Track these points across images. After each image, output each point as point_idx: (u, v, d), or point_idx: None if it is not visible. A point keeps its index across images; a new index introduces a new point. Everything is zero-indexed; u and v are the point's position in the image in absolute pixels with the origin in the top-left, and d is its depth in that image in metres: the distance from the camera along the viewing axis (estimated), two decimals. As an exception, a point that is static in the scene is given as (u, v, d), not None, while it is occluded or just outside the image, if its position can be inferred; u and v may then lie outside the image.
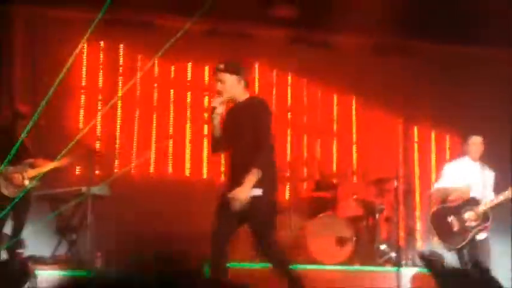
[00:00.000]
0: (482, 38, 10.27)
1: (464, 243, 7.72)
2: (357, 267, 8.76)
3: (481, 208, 7.72)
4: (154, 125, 10.34)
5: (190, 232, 8.84)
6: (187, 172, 10.41)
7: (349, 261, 8.76)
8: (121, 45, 10.26)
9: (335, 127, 11.07)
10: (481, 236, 7.82)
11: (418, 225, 10.95)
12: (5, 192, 7.76)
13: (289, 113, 10.84)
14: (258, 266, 7.46)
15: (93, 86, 10.18)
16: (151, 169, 10.28)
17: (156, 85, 10.38)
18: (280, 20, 10.28)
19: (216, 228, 5.66)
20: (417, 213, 11.00)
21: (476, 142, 8.07)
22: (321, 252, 8.61)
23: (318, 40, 10.82)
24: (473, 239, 7.74)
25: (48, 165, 8.06)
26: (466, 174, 7.96)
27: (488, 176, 8.03)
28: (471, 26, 9.96)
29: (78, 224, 8.57)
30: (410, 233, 10.43)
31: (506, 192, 7.67)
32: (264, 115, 5.74)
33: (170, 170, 10.35)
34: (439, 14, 10.04)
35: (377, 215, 9.34)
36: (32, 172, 7.96)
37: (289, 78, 10.94)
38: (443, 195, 7.96)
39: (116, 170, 9.75)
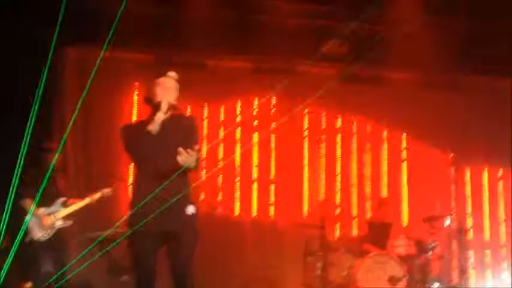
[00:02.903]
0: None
1: None
2: (410, 306, 8.66)
3: None
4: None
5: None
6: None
7: (402, 300, 8.67)
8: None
9: (385, 165, 10.99)
10: None
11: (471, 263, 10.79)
12: (38, 235, 7.61)
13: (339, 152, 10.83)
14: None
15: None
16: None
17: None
18: (331, 56, 10.33)
19: (141, 249, 5.15)
20: (470, 251, 10.83)
21: None
22: (373, 291, 8.54)
23: (367, 76, 10.79)
24: None
25: (79, 203, 7.89)
26: None
27: None
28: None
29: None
30: (463, 271, 10.23)
31: None
32: None
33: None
34: (492, 48, 10.01)
35: (429, 253, 9.21)
36: (63, 212, 7.86)
37: (340, 117, 10.94)
38: None
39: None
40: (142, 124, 5.30)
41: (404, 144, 11.07)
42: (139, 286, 5.16)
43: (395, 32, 10.01)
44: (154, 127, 5.17)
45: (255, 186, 10.51)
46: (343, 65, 10.55)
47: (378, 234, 9.55)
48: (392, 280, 8.66)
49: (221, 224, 10.17)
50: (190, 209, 5.18)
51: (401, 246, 9.27)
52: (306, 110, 10.70)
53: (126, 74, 9.62)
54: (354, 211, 10.50)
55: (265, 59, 10.32)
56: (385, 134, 11.07)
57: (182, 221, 5.13)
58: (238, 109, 10.63)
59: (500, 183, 11.24)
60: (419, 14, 9.86)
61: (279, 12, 9.80)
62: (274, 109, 10.61)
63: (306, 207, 10.51)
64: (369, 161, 10.96)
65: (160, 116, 5.21)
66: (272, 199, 10.49)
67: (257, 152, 10.57)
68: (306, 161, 10.67)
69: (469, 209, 11.05)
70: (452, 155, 11.05)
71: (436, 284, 9.13)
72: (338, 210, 10.06)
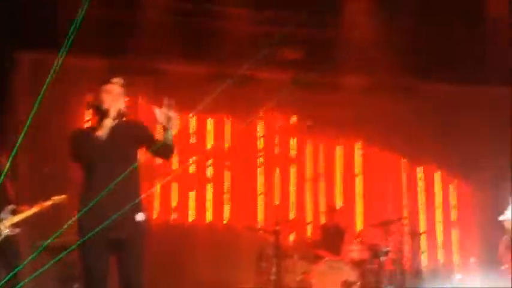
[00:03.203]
0: (491, 79, 10.36)
1: None
2: (362, 310, 8.73)
3: None
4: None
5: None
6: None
7: (355, 304, 8.73)
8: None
9: (339, 170, 11.05)
10: None
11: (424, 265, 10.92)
12: None
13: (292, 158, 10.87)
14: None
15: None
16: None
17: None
18: (285, 62, 10.37)
19: (91, 257, 5.08)
20: (423, 254, 10.96)
21: None
22: (326, 296, 8.58)
23: (322, 81, 10.84)
24: None
25: (29, 211, 7.65)
26: None
27: None
28: (474, 66, 10.05)
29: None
30: (416, 274, 10.33)
31: None
32: None
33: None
34: (442, 54, 10.13)
35: (382, 258, 9.28)
36: (11, 219, 7.61)
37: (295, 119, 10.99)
38: None
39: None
40: (91, 130, 5.28)
41: (358, 150, 11.14)
42: None
43: (349, 38, 10.12)
44: (103, 132, 5.15)
45: (209, 191, 10.48)
46: (297, 70, 10.61)
47: (332, 239, 9.62)
48: (346, 285, 8.72)
49: (176, 230, 10.15)
50: (139, 217, 5.14)
51: (354, 251, 9.32)
52: (261, 115, 10.71)
53: (79, 79, 9.52)
54: (308, 216, 10.52)
55: (220, 65, 10.31)
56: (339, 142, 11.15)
57: (131, 228, 5.09)
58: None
59: (452, 187, 11.39)
60: (372, 20, 9.96)
61: (234, 19, 9.80)
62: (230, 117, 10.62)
63: (260, 212, 10.52)
64: (323, 166, 11.00)
65: (108, 122, 5.18)
66: (227, 204, 10.49)
67: (212, 157, 10.54)
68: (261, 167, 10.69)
69: (421, 213, 11.18)
70: (405, 160, 11.15)
71: (390, 288, 9.22)
72: (292, 216, 10.08)
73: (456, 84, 10.94)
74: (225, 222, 10.49)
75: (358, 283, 8.78)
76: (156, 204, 10.23)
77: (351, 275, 8.79)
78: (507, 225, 7.23)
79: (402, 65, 10.12)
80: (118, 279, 5.11)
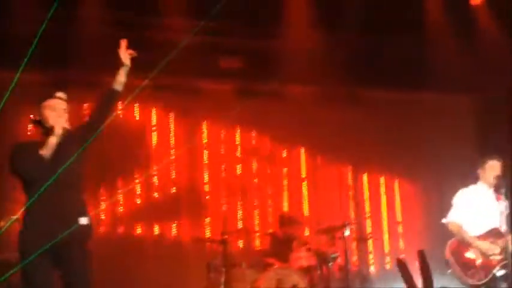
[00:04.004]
0: (431, 85, 10.54)
1: (487, 279, 6.98)
2: (312, 317, 8.76)
3: (505, 241, 6.96)
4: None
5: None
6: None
7: (304, 311, 8.75)
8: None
9: (285, 178, 11.11)
10: (500, 272, 7.01)
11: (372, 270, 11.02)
12: None
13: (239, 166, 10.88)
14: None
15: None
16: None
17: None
18: (226, 71, 10.40)
19: (33, 272, 4.96)
20: (371, 259, 11.07)
21: (494, 167, 7.24)
22: (275, 304, 8.58)
23: (265, 90, 10.88)
24: (493, 275, 7.00)
25: None
26: (481, 203, 7.28)
27: (503, 205, 7.10)
28: (420, 73, 10.21)
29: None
30: (364, 279, 10.42)
31: None
32: None
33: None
34: (387, 62, 10.27)
35: (330, 264, 9.34)
36: None
37: (238, 130, 11.00)
38: (459, 232, 7.24)
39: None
40: (34, 146, 5.16)
41: (303, 157, 11.21)
42: None
43: (292, 48, 10.19)
44: (47, 152, 5.07)
45: (156, 202, 10.42)
46: (240, 80, 10.66)
47: (281, 247, 9.62)
48: (295, 292, 8.73)
49: (122, 243, 10.05)
50: (83, 220, 5.07)
51: (302, 258, 9.35)
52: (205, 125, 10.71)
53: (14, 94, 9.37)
54: (256, 225, 10.54)
55: (161, 76, 10.28)
56: (284, 151, 11.20)
57: (75, 231, 4.97)
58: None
59: (397, 192, 11.54)
60: (314, 29, 10.05)
61: (175, 29, 9.77)
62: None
63: (208, 222, 10.50)
64: (270, 174, 11.05)
65: (53, 141, 5.10)
66: (174, 215, 10.45)
67: (157, 168, 10.48)
68: (206, 176, 10.67)
69: (368, 219, 11.29)
70: (350, 166, 11.26)
71: (338, 294, 9.27)
72: (240, 225, 10.08)
73: (399, 91, 11.11)
74: (173, 234, 10.43)
75: (307, 289, 8.80)
76: (103, 216, 10.11)
77: (300, 282, 8.80)
78: (451, 227, 7.31)
79: (345, 73, 10.22)
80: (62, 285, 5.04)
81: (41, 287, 5.01)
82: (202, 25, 8.83)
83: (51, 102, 5.29)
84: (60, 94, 5.35)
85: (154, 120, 10.60)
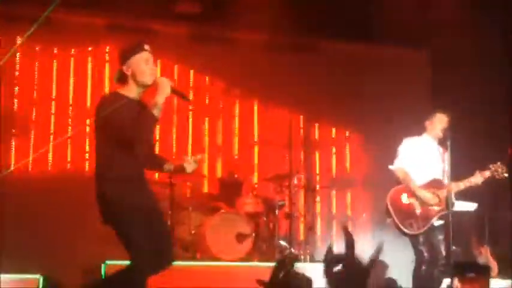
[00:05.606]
0: (382, 37, 10.55)
1: (425, 228, 7.11)
2: (255, 263, 8.84)
3: (445, 192, 7.11)
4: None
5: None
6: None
7: (249, 257, 8.84)
8: None
9: (237, 124, 11.12)
10: (437, 223, 7.20)
11: (318, 220, 11.14)
12: None
13: (190, 111, 10.85)
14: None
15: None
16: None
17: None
18: (182, 15, 10.31)
19: None
20: (317, 209, 11.18)
21: (441, 119, 7.36)
22: (220, 248, 8.63)
23: (219, 36, 10.82)
24: (432, 225, 7.16)
25: None
26: (425, 153, 7.38)
27: (446, 157, 7.19)
28: (371, 24, 10.20)
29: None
30: (310, 228, 10.53)
31: (473, 178, 7.21)
32: None
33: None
34: (339, 12, 10.23)
35: (277, 211, 9.42)
36: None
37: (191, 74, 10.94)
38: (405, 179, 7.28)
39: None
40: (132, 103, 4.94)
41: (256, 105, 11.22)
42: None
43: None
44: (158, 113, 4.83)
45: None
46: (195, 24, 10.57)
47: (229, 192, 9.69)
48: (240, 237, 8.80)
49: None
50: None
51: (249, 204, 9.43)
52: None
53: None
54: (205, 169, 10.55)
55: (117, 16, 10.18)
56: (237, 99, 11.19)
57: None
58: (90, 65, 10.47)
59: (347, 142, 11.65)
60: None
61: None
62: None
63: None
64: (220, 120, 11.04)
65: (161, 100, 4.84)
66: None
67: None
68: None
69: (317, 169, 11.38)
70: (302, 116, 11.30)
71: (283, 242, 9.36)
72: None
73: (356, 43, 11.11)
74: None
75: (253, 236, 8.88)
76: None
77: (246, 227, 8.88)
78: (398, 173, 7.38)
79: (301, 23, 10.17)
80: None
81: None
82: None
83: (144, 55, 5.00)
84: (147, 46, 5.06)
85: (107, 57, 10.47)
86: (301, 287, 3.10)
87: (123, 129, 4.71)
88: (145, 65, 4.95)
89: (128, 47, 5.07)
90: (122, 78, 5.04)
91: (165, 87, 4.84)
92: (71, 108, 10.27)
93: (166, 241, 5.08)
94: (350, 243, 3.08)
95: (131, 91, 4.96)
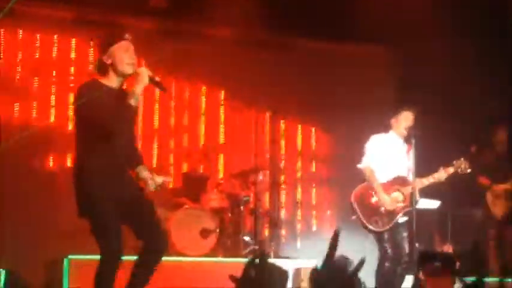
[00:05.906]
0: (353, 36, 10.59)
1: (390, 226, 7.20)
2: (220, 258, 8.84)
3: (410, 189, 7.24)
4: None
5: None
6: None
7: (213, 252, 8.84)
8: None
9: (203, 120, 11.08)
10: (402, 219, 7.31)
11: (283, 217, 11.16)
12: None
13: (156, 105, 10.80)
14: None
15: None
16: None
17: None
18: (151, 10, 10.25)
19: None
20: (282, 205, 11.20)
21: (407, 117, 7.44)
22: (184, 243, 8.63)
23: (188, 32, 10.77)
24: (396, 222, 7.25)
25: None
26: (391, 151, 7.46)
27: (411, 155, 7.35)
28: (342, 23, 10.22)
29: None
30: (274, 224, 10.54)
31: (437, 174, 7.31)
32: None
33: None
34: (309, 10, 10.25)
35: (242, 207, 9.43)
36: None
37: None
38: (370, 178, 7.37)
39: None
40: (111, 92, 4.98)
41: (222, 101, 11.19)
42: None
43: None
44: (135, 103, 4.89)
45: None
46: (164, 19, 10.51)
47: (193, 187, 9.66)
48: (205, 233, 8.80)
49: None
50: None
51: (214, 199, 9.43)
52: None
53: None
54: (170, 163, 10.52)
55: (86, 11, 10.08)
56: (203, 89, 11.13)
57: None
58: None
59: (313, 140, 11.67)
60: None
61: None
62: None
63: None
64: (186, 115, 10.99)
65: (139, 90, 4.93)
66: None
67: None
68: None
69: (283, 165, 11.39)
70: (268, 112, 11.29)
71: (247, 238, 9.38)
72: (154, 163, 10.05)
73: (324, 40, 11.13)
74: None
75: (217, 231, 8.87)
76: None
77: (210, 223, 8.88)
78: (365, 172, 7.42)
79: (272, 19, 10.17)
80: None
81: None
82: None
83: (123, 44, 5.02)
84: (128, 35, 5.09)
85: (73, 53, 10.36)
86: (276, 282, 3.10)
87: (102, 119, 4.69)
88: (125, 54, 4.93)
89: (108, 36, 5.07)
90: (102, 68, 5.02)
91: (144, 77, 4.87)
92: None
93: (150, 231, 5.04)
94: (332, 246, 3.09)
95: (111, 81, 4.95)
